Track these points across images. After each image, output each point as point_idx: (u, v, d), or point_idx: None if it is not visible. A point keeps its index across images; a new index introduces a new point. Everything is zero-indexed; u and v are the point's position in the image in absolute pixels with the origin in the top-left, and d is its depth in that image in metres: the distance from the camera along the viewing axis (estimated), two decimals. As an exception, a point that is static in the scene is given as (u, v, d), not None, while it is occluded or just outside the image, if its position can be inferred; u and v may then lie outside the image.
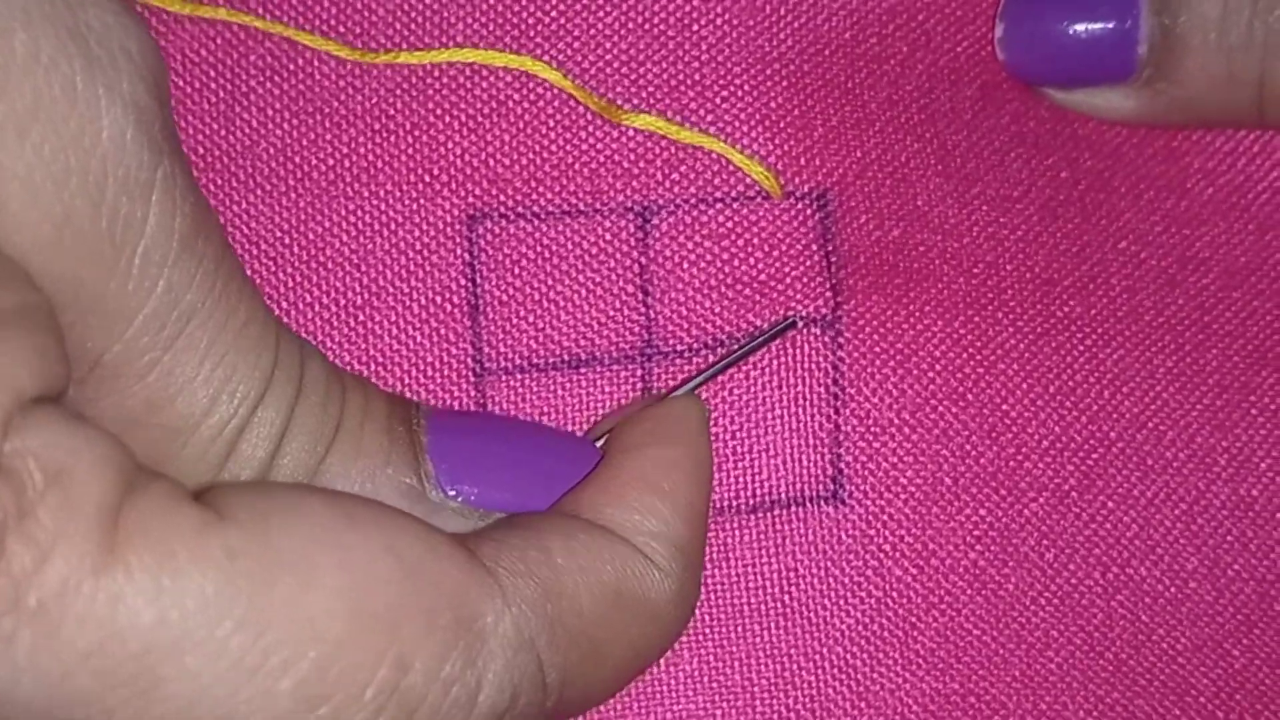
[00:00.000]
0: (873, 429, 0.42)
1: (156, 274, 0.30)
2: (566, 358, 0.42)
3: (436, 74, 0.41)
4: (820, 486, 0.42)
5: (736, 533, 0.42)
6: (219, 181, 0.41)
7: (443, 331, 0.42)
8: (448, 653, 0.29)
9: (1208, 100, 0.43)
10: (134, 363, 0.30)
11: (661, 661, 0.42)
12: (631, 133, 0.42)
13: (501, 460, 0.37)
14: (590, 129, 0.42)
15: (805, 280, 0.42)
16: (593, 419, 0.42)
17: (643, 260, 0.42)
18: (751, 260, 0.42)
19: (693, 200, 0.42)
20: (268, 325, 0.33)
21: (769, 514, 0.42)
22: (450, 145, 0.42)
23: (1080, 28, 0.42)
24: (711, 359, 0.42)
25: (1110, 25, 0.42)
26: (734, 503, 0.42)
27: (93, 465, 0.27)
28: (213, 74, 0.41)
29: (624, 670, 0.35)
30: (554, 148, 0.42)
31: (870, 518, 0.42)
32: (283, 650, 0.28)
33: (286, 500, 0.30)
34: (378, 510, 0.31)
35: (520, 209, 0.42)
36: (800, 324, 0.42)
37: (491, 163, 0.41)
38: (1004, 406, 0.43)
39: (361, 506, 0.31)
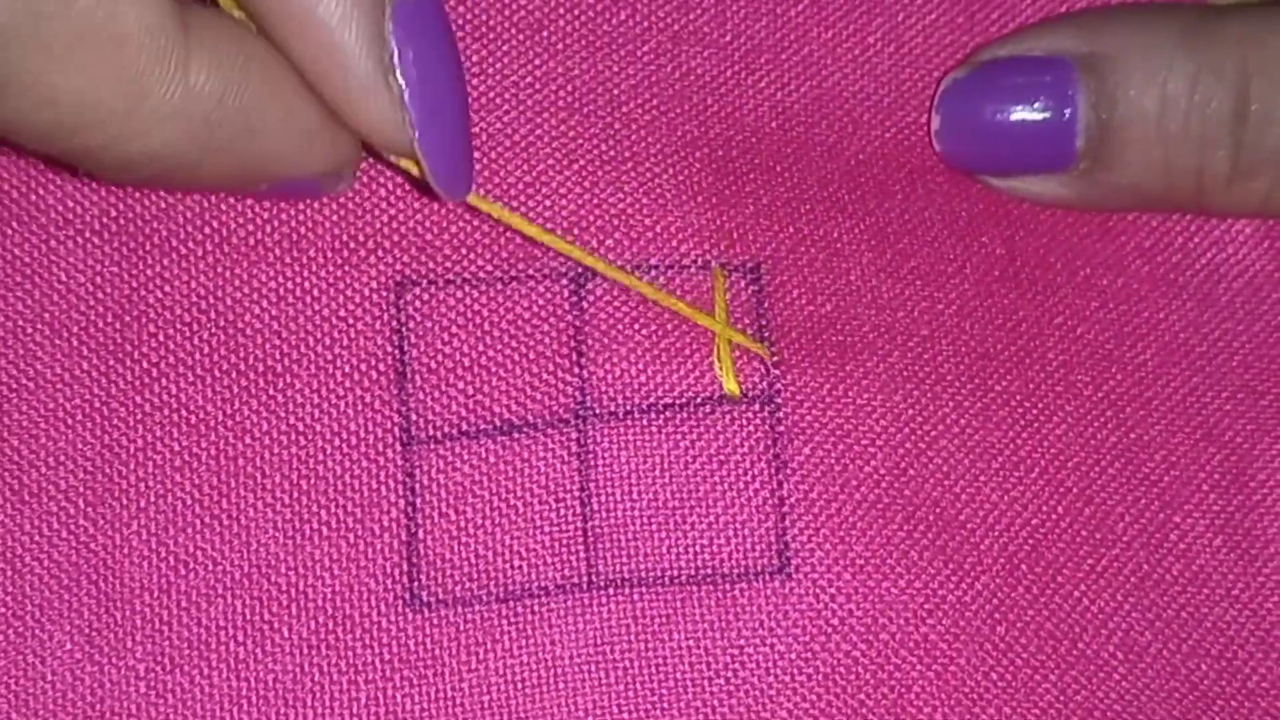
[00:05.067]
0: (818, 503, 0.41)
1: None
2: (498, 424, 0.41)
3: None
4: (766, 560, 0.41)
5: (679, 604, 0.41)
6: (132, 245, 0.41)
7: (368, 400, 0.41)
8: None
9: (1146, 190, 0.43)
10: None
11: None
12: (563, 199, 0.42)
13: None
14: (521, 196, 0.42)
15: (740, 349, 0.42)
16: (526, 486, 0.41)
17: (576, 324, 0.41)
18: (685, 326, 0.42)
19: (628, 267, 0.42)
20: None
21: (714, 587, 0.41)
22: (378, 210, 0.41)
23: (1017, 120, 0.42)
24: (645, 423, 0.41)
25: (1047, 118, 0.42)
26: (678, 573, 0.41)
27: None
28: None
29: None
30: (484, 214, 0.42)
31: (818, 591, 0.41)
32: None
33: None
34: None
35: (450, 275, 0.41)
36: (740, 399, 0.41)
37: (420, 229, 0.41)
38: (947, 481, 0.42)
39: None
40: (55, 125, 0.32)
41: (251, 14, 0.34)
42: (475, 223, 0.41)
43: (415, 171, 0.36)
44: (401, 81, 0.34)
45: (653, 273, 0.42)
